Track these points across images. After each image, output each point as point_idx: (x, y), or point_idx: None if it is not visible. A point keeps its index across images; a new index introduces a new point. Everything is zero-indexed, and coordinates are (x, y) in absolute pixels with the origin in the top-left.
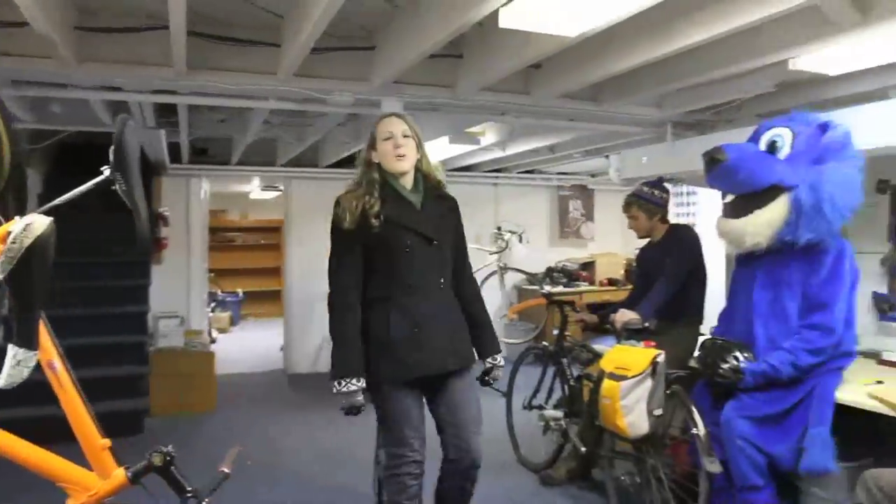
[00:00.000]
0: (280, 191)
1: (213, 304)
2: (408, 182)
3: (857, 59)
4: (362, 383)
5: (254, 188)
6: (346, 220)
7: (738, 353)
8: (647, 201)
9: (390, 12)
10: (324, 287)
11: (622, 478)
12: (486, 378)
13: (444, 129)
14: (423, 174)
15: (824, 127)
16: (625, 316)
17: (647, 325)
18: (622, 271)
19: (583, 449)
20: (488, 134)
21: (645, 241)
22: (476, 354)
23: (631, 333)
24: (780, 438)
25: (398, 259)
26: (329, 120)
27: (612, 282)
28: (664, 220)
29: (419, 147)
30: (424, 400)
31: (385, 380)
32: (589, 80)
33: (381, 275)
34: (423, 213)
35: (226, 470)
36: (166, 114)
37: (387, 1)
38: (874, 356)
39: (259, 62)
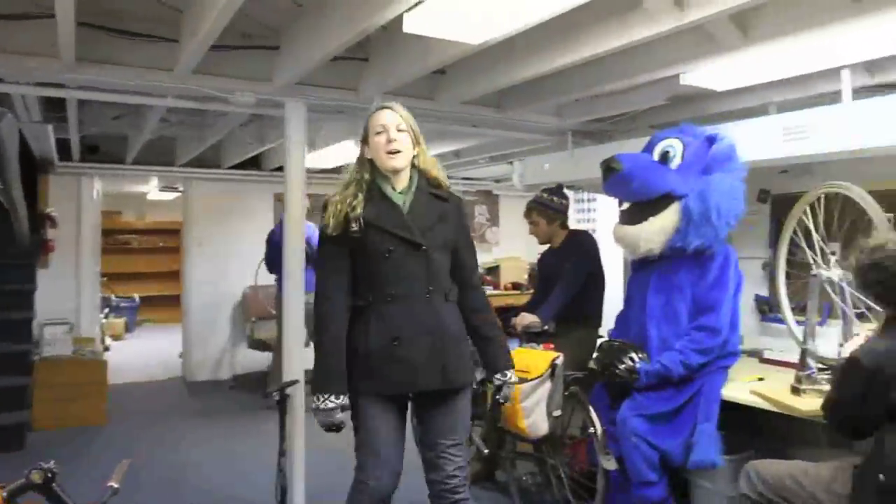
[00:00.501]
0: (180, 192)
1: (106, 310)
2: (401, 181)
3: (740, 77)
4: (342, 400)
5: (152, 189)
6: (331, 224)
7: (633, 355)
8: (546, 207)
9: (294, 11)
10: (225, 291)
11: (524, 478)
12: (497, 397)
13: (350, 132)
14: (420, 172)
15: (711, 139)
16: (525, 319)
17: (546, 328)
18: (526, 275)
19: (485, 451)
20: None
21: (546, 247)
22: (484, 370)
23: (531, 337)
24: (672, 435)
25: (378, 265)
26: (231, 120)
27: (516, 286)
28: (564, 225)
29: (416, 143)
30: (411, 414)
31: (360, 394)
32: (492, 87)
33: (362, 282)
34: (411, 215)
35: (114, 485)
36: (55, 108)
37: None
38: (756, 355)
39: (155, 57)
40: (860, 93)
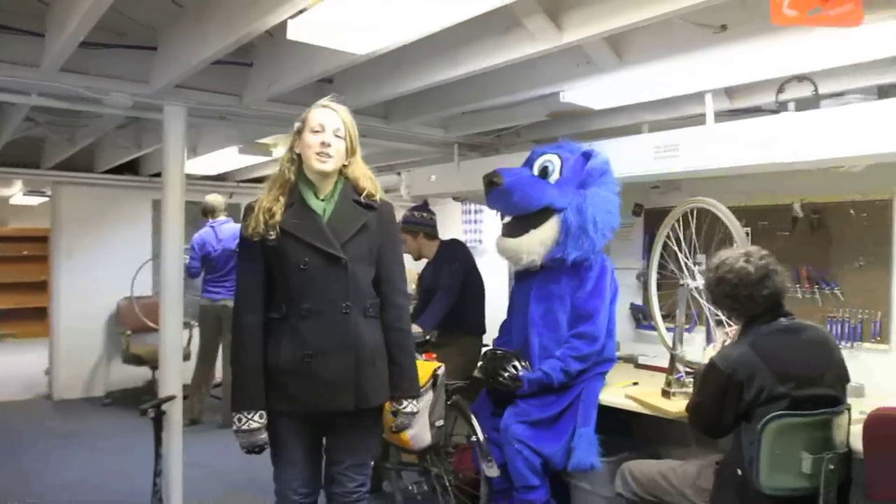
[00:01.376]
0: (48, 196)
1: None
2: (324, 188)
3: (616, 97)
4: (265, 420)
5: (15, 192)
6: (250, 229)
7: (516, 363)
8: (408, 223)
9: (174, 12)
10: (98, 303)
11: (410, 488)
12: (391, 427)
13: (234, 138)
14: (347, 180)
15: (587, 155)
16: None
17: (428, 337)
18: (414, 286)
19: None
20: (281, 146)
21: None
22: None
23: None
24: (553, 440)
25: (294, 277)
26: (105, 122)
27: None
28: (431, 237)
29: (351, 151)
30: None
31: (272, 411)
32: (379, 98)
33: (278, 294)
34: (331, 225)
35: None
36: None
37: None
38: (632, 360)
39: (18, 52)
40: (722, 116)
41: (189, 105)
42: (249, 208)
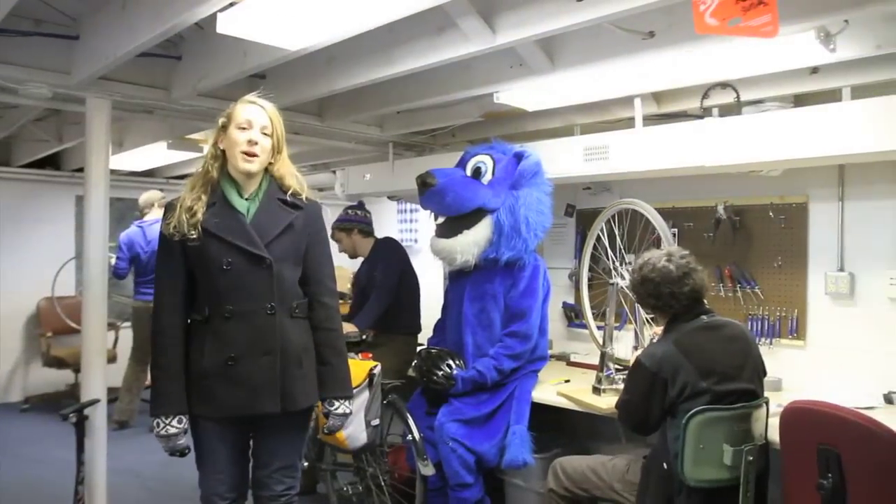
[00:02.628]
0: None
1: None
2: (249, 186)
3: (548, 99)
4: (184, 424)
5: None
6: (171, 228)
7: (450, 361)
8: (342, 221)
9: (97, 0)
10: (15, 303)
11: (345, 489)
12: (323, 428)
13: (163, 133)
14: (272, 179)
15: (519, 156)
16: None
17: (364, 337)
18: (349, 285)
19: (304, 464)
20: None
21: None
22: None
23: (349, 346)
24: (487, 438)
25: (217, 279)
26: (22, 113)
27: (339, 296)
28: (364, 234)
29: (277, 149)
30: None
31: (196, 416)
32: (313, 95)
33: (200, 295)
34: (255, 224)
35: None
36: None
37: None
38: (564, 358)
39: None
40: (650, 120)
41: (114, 98)
42: (171, 206)
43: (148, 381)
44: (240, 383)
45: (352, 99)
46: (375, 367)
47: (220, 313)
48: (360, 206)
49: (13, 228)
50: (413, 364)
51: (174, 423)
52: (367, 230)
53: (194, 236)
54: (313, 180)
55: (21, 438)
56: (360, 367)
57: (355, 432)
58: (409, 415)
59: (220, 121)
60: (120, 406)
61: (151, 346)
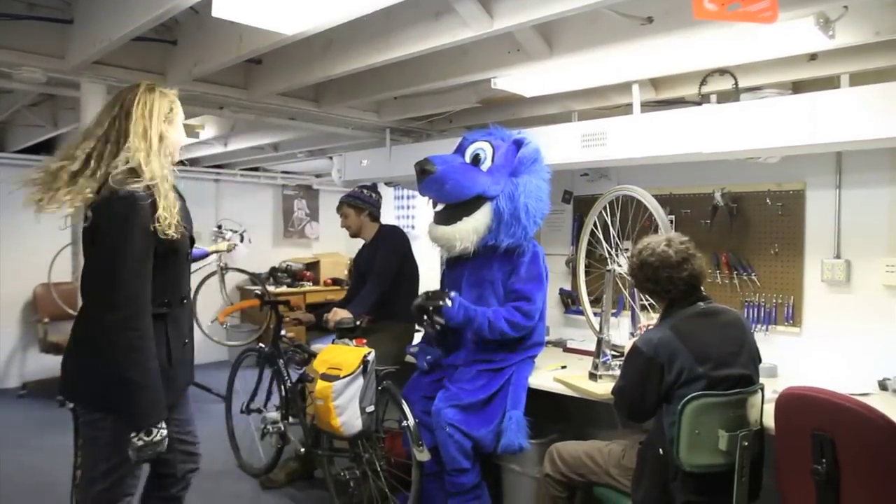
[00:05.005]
0: None
1: None
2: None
3: (546, 85)
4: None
5: None
6: (170, 229)
7: (450, 293)
8: (357, 199)
9: None
10: (12, 289)
11: (341, 474)
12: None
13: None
14: None
15: (518, 143)
16: (337, 315)
17: (359, 323)
18: (346, 271)
19: (301, 450)
20: (208, 128)
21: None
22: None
23: (344, 332)
24: (484, 423)
25: (182, 267)
26: (16, 98)
27: (335, 281)
28: (373, 217)
29: None
30: None
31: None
32: (309, 80)
33: (164, 287)
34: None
35: None
36: None
37: None
38: (560, 344)
39: None
40: (648, 106)
41: (108, 83)
42: (152, 204)
43: None
44: (189, 360)
45: (349, 84)
46: (369, 353)
47: (178, 301)
48: (374, 187)
49: (9, 215)
50: (414, 303)
51: (163, 427)
52: (377, 215)
53: (181, 230)
54: (310, 166)
55: (18, 424)
56: (354, 353)
57: (350, 419)
58: (404, 401)
59: (166, 114)
60: None
61: (131, 355)
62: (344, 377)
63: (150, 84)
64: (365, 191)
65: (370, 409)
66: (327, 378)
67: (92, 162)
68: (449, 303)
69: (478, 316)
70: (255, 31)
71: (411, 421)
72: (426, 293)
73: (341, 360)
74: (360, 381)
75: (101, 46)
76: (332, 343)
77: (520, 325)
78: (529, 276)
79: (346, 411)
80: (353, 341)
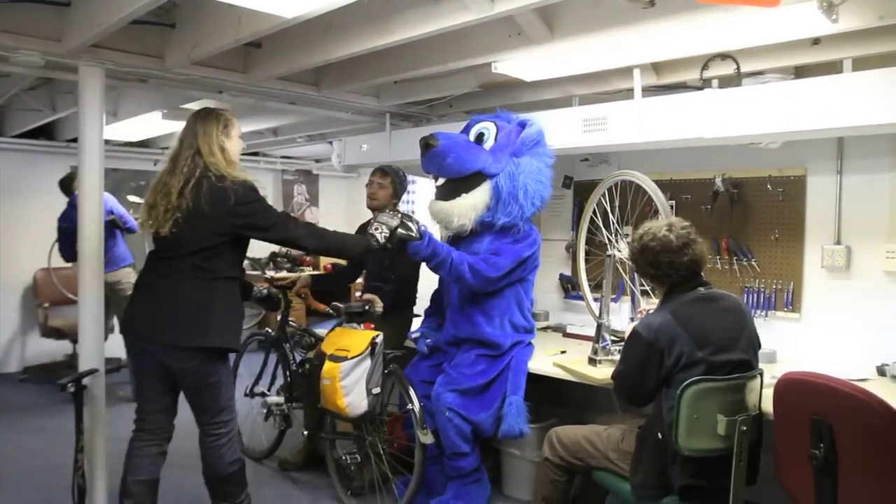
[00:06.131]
0: None
1: None
2: None
3: (547, 69)
4: None
5: None
6: None
7: (423, 228)
8: (398, 175)
9: None
10: (12, 274)
11: (344, 457)
12: None
13: (158, 102)
14: None
15: (523, 124)
16: (377, 304)
17: (367, 308)
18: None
19: (304, 432)
20: None
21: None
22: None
23: (352, 316)
24: (483, 408)
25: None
26: (13, 82)
27: (335, 267)
28: (395, 205)
29: None
30: None
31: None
32: (309, 64)
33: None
34: None
35: None
36: None
37: None
38: (560, 330)
39: None
40: (649, 91)
41: (106, 66)
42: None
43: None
44: None
45: (349, 68)
46: (378, 335)
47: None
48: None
49: (8, 199)
50: (384, 219)
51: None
52: (399, 200)
53: None
54: (309, 151)
55: (20, 408)
56: (362, 336)
57: (356, 400)
58: (409, 384)
59: (231, 128)
60: None
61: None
62: (352, 358)
63: None
64: (406, 178)
65: (376, 390)
66: (335, 359)
67: None
68: (418, 237)
69: (443, 252)
70: (254, 14)
71: (416, 404)
72: (404, 214)
73: (350, 342)
74: (368, 362)
75: (99, 30)
76: (340, 327)
77: (480, 273)
78: (512, 247)
79: (353, 392)
80: (362, 325)
